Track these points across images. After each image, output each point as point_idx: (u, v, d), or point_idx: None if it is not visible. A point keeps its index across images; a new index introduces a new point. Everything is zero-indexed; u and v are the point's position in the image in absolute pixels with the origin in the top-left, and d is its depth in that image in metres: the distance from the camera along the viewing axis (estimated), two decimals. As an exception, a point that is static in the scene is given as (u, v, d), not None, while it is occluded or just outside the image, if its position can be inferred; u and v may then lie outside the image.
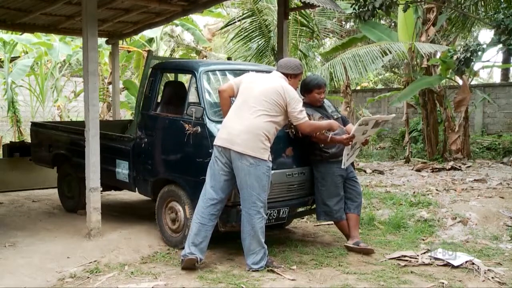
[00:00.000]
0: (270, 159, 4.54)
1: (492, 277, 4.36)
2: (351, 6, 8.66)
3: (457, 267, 4.58)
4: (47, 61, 14.66)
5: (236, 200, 4.70)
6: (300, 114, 4.60)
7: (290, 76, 4.76)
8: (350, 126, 5.21)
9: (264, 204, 4.52)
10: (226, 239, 5.30)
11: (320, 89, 5.19)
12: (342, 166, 5.01)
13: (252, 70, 5.73)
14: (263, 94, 4.53)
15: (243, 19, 12.07)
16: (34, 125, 7.83)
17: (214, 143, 4.59)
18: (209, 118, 4.90)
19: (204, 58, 15.30)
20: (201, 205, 4.57)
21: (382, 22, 15.54)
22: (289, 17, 9.84)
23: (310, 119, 4.87)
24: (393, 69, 21.05)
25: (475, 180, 8.10)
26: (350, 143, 4.87)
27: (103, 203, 5.52)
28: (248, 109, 4.52)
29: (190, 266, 4.51)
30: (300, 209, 5.56)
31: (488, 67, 12.25)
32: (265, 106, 4.50)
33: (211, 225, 4.57)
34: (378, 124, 5.06)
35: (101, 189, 5.71)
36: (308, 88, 5.22)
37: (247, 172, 4.42)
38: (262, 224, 4.52)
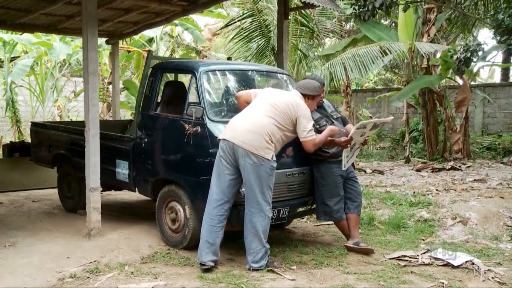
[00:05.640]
0: (274, 159, 4.55)
1: (492, 277, 4.36)
2: (351, 6, 8.65)
3: (457, 267, 4.59)
4: (47, 61, 14.65)
5: (237, 200, 4.69)
6: (308, 133, 4.65)
7: (308, 97, 4.86)
8: (350, 126, 5.22)
9: (268, 203, 4.51)
10: (226, 239, 5.27)
11: (318, 89, 5.19)
12: (343, 168, 5.02)
13: (252, 70, 5.77)
14: (275, 103, 4.63)
15: (243, 19, 12.07)
16: (34, 125, 7.83)
17: (219, 137, 4.60)
18: (209, 118, 4.89)
19: (204, 58, 15.29)
20: (209, 207, 4.57)
21: (383, 21, 15.52)
22: (289, 17, 9.83)
23: None
24: (393, 69, 21.03)
25: (475, 180, 8.10)
26: (349, 145, 4.88)
27: (103, 203, 5.52)
28: (257, 111, 4.62)
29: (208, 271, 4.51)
30: (300, 209, 5.57)
31: (489, 65, 12.24)
32: (274, 113, 4.57)
33: (221, 226, 4.57)
34: (376, 126, 5.08)
35: (101, 189, 5.71)
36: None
37: (250, 170, 4.44)
38: (265, 223, 4.51)
